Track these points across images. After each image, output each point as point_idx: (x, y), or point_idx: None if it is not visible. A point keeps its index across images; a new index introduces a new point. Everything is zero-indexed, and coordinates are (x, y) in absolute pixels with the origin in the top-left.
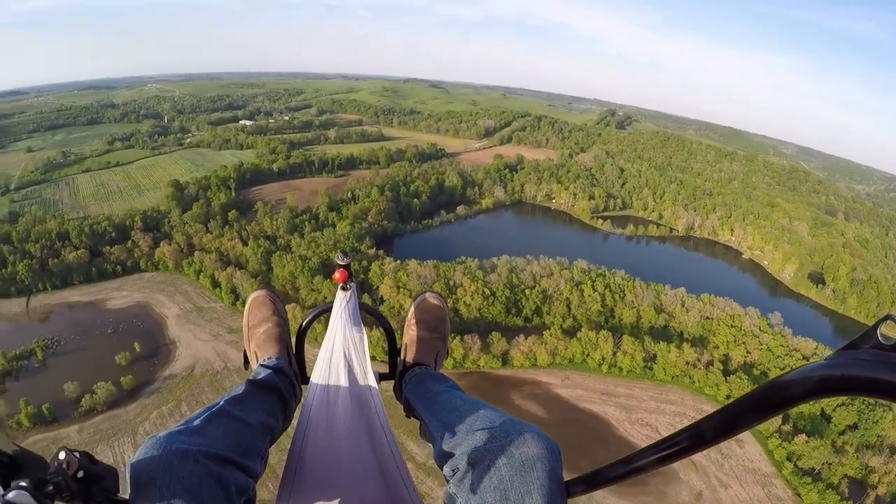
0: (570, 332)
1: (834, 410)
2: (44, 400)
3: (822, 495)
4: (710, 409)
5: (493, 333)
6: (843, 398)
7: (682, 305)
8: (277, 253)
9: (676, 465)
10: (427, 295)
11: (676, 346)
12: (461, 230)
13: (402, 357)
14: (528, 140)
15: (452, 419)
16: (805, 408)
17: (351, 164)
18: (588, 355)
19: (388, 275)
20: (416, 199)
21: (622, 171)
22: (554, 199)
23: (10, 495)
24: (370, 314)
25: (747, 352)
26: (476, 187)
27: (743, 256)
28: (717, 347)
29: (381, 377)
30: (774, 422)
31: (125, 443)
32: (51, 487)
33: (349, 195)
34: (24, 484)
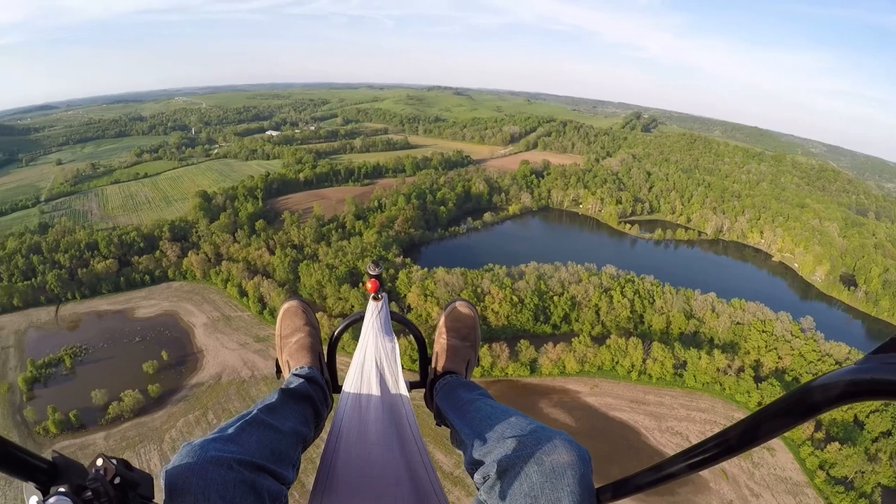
0: (599, 340)
1: (867, 417)
2: (71, 407)
3: None
4: (740, 416)
5: (522, 341)
6: (876, 403)
7: (713, 311)
8: (304, 262)
9: (707, 474)
10: (457, 303)
11: (707, 352)
12: (488, 237)
13: (432, 366)
14: (554, 145)
15: (483, 427)
16: (838, 414)
17: (377, 172)
18: (617, 363)
19: (415, 283)
20: (442, 207)
21: (649, 174)
22: (581, 204)
23: (51, 501)
24: (401, 323)
25: (779, 357)
26: (502, 194)
27: (773, 259)
28: (748, 353)
29: (411, 385)
30: (807, 429)
31: (151, 450)
32: (89, 493)
33: (376, 203)
34: (63, 490)
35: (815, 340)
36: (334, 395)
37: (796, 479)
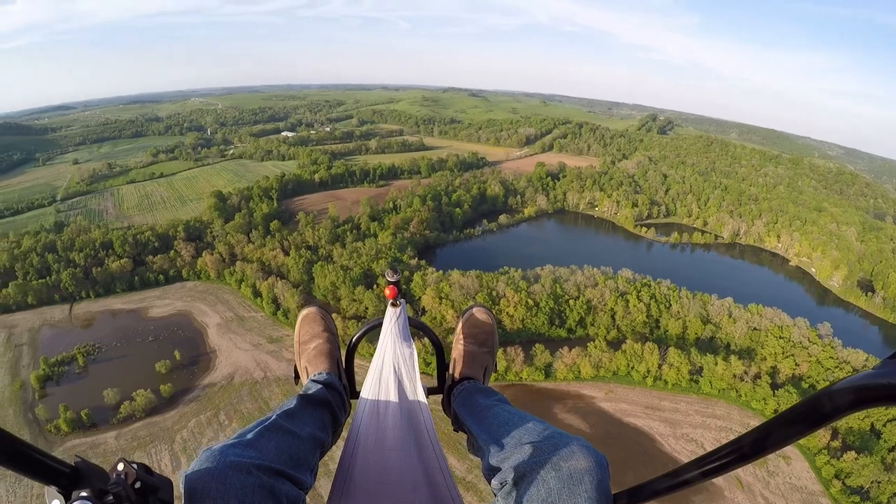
0: (615, 344)
1: (884, 426)
2: (83, 405)
3: None
4: (756, 423)
5: (537, 345)
6: (894, 411)
7: (730, 316)
8: (319, 263)
9: (721, 482)
10: (475, 310)
11: (723, 358)
12: (503, 239)
13: (450, 371)
14: (570, 147)
15: (501, 433)
16: (854, 423)
17: (392, 173)
18: (633, 368)
19: (430, 285)
20: (457, 209)
21: (665, 177)
22: (597, 206)
23: None
24: (419, 329)
25: (796, 364)
26: (518, 196)
27: (790, 264)
28: (765, 360)
29: (429, 391)
30: (823, 438)
31: (162, 450)
32: (111, 498)
33: (391, 205)
34: (85, 494)
35: (832, 347)
36: (352, 401)
37: (811, 488)
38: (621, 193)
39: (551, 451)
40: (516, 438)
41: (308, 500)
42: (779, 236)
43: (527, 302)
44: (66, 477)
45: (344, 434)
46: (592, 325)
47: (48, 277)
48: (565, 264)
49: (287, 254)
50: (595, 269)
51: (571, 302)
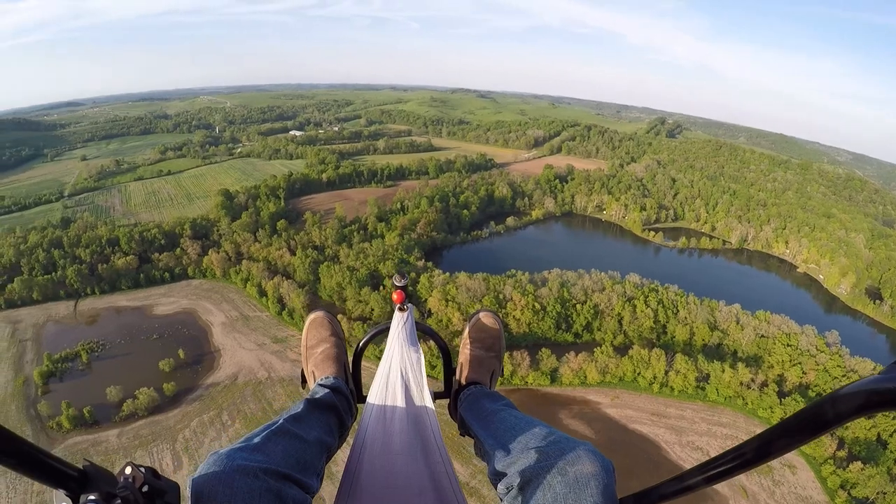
0: (621, 349)
1: (891, 436)
2: (86, 403)
3: None
4: (762, 431)
5: (543, 350)
6: None
7: (737, 323)
8: (325, 263)
9: (727, 491)
10: (481, 314)
11: (730, 365)
12: (511, 242)
13: (457, 376)
14: (578, 150)
15: (507, 437)
16: (861, 433)
17: (400, 174)
18: (639, 374)
19: (436, 287)
20: (465, 211)
21: (674, 181)
22: (605, 210)
23: None
24: (426, 333)
25: (803, 373)
26: (526, 198)
27: (798, 270)
28: (772, 367)
29: (436, 396)
30: (829, 447)
31: (164, 449)
32: (119, 501)
33: (398, 206)
34: (93, 498)
35: (840, 356)
36: (359, 405)
37: (817, 498)
38: (629, 197)
39: (557, 455)
40: (522, 443)
41: None
42: (787, 242)
43: (534, 306)
44: (74, 480)
45: (350, 438)
46: (599, 329)
47: (54, 273)
48: (573, 268)
49: (293, 253)
50: (602, 273)
51: (578, 306)
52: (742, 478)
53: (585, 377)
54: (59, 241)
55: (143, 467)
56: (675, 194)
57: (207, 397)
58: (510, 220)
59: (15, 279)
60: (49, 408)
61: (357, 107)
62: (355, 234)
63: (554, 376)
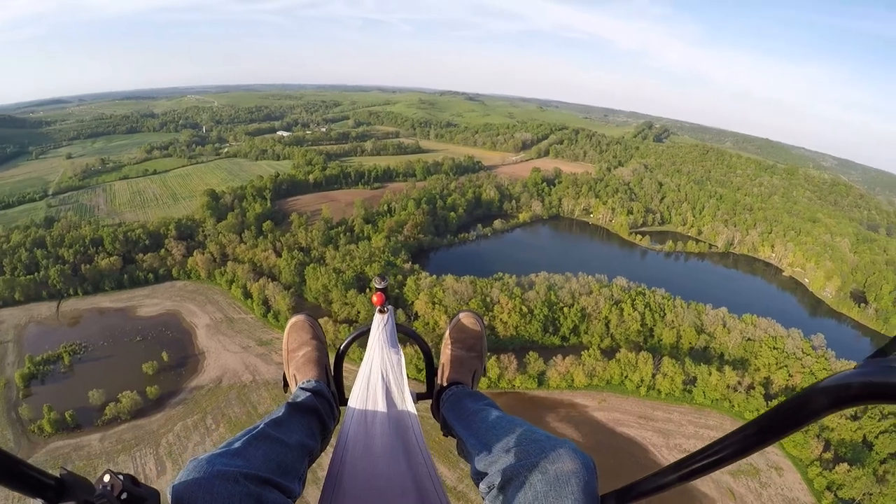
0: (608, 353)
1: (877, 438)
2: (68, 406)
3: None
4: None
5: (530, 353)
6: (885, 424)
7: (724, 326)
8: (311, 265)
9: (714, 493)
10: (462, 315)
11: (717, 368)
12: (498, 244)
13: (439, 377)
14: (566, 153)
15: (489, 437)
16: (847, 434)
17: (387, 176)
18: (626, 377)
19: (423, 290)
20: (452, 213)
21: (661, 185)
22: (592, 213)
23: None
24: (407, 335)
25: (789, 375)
26: (513, 201)
27: (784, 274)
28: (759, 370)
29: (418, 397)
30: (815, 449)
31: (147, 454)
32: None
33: (385, 208)
34: None
35: (825, 359)
36: (341, 408)
37: (804, 500)
38: (616, 201)
39: (538, 454)
40: (504, 442)
41: None
42: (773, 246)
43: (521, 309)
44: (51, 489)
45: (333, 441)
46: (586, 333)
47: (36, 273)
48: (560, 271)
49: (279, 255)
50: (590, 276)
51: (566, 309)
52: (730, 480)
53: (573, 380)
54: (43, 241)
55: (122, 474)
56: (662, 198)
57: (191, 401)
58: (497, 223)
59: None
60: (30, 411)
61: (345, 108)
62: (342, 235)
63: (541, 379)
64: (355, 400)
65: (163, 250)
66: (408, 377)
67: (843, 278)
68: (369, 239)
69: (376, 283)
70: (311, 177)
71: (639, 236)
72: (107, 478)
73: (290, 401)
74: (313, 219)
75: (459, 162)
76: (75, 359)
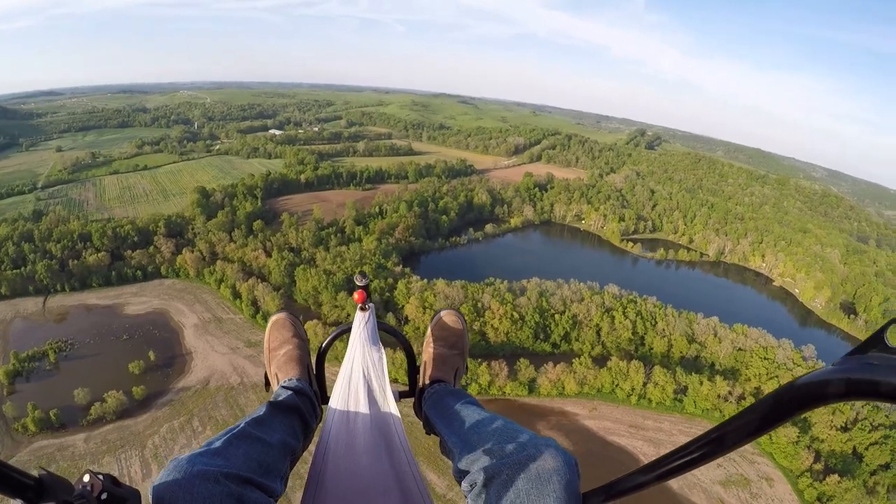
0: (599, 361)
1: (867, 449)
2: (52, 405)
3: None
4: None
5: (521, 360)
6: (875, 435)
7: (715, 335)
8: (301, 266)
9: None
10: (444, 313)
11: (708, 378)
12: (489, 249)
13: (421, 375)
14: (558, 159)
15: (470, 434)
16: (837, 446)
17: (379, 177)
18: (617, 385)
19: (414, 294)
20: (444, 216)
21: (653, 192)
22: (583, 219)
23: None
24: (389, 333)
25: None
26: (505, 205)
27: (774, 284)
28: (749, 380)
29: (401, 395)
30: (805, 460)
31: (132, 456)
32: None
33: (377, 209)
34: None
35: (816, 369)
36: (323, 407)
37: None
38: (608, 207)
39: (520, 452)
40: (486, 440)
41: None
42: (763, 256)
43: (512, 315)
44: (30, 490)
45: (315, 440)
46: (577, 340)
47: (23, 268)
48: (551, 277)
49: (269, 255)
50: (581, 283)
51: (557, 316)
52: (720, 490)
53: (563, 388)
54: (30, 235)
55: (102, 475)
56: (654, 206)
57: (178, 402)
58: (489, 227)
59: None
60: (14, 409)
61: (338, 108)
62: (333, 236)
63: (532, 387)
64: (337, 398)
65: (152, 247)
66: (393, 380)
67: (833, 289)
68: (360, 241)
69: (357, 281)
70: (302, 176)
71: (630, 243)
72: (87, 478)
73: (271, 400)
74: (304, 219)
75: (452, 165)
76: (61, 356)
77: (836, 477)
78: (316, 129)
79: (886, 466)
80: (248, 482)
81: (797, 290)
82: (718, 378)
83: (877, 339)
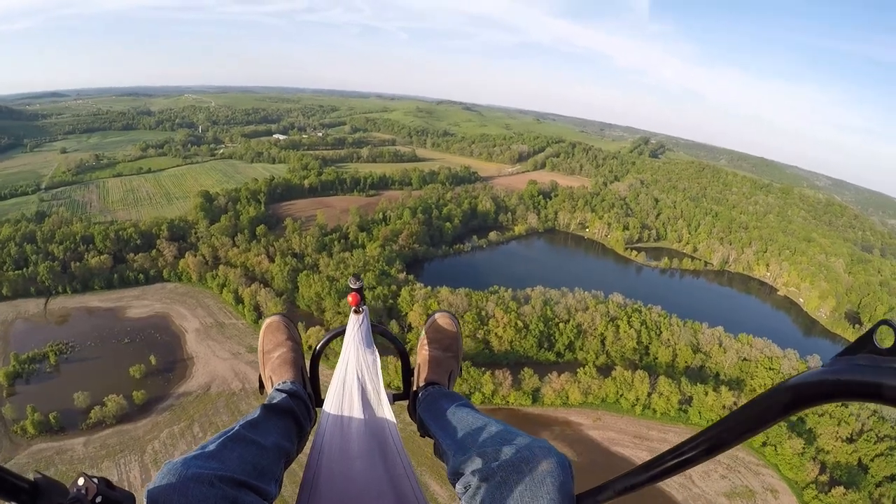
0: (604, 370)
1: (872, 461)
2: (52, 407)
3: None
4: (744, 455)
5: (526, 369)
6: (881, 446)
7: (720, 345)
8: (305, 272)
9: None
10: (438, 315)
11: (713, 388)
12: (493, 257)
13: (415, 377)
14: (562, 167)
15: (464, 437)
16: (843, 457)
17: (383, 183)
18: (622, 395)
19: (417, 301)
20: (448, 223)
21: (657, 201)
22: (587, 228)
23: None
24: (383, 335)
25: None
26: (509, 213)
27: (778, 293)
28: (755, 391)
29: (395, 398)
30: (811, 472)
31: (132, 461)
32: None
33: (380, 216)
34: None
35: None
36: (317, 410)
37: None
38: (612, 216)
39: (514, 453)
40: (480, 442)
41: None
42: (768, 265)
43: (516, 323)
44: (25, 493)
45: (310, 443)
46: (581, 349)
47: (25, 269)
48: (555, 285)
49: (272, 260)
50: (586, 292)
51: (561, 325)
52: (725, 502)
53: (567, 398)
54: (33, 236)
55: (97, 478)
56: (658, 214)
57: (179, 407)
58: (493, 235)
59: None
60: (14, 411)
61: (342, 113)
62: (336, 242)
63: (536, 396)
64: (331, 401)
65: (154, 251)
66: (387, 384)
67: (837, 299)
68: (364, 247)
69: (351, 284)
70: (306, 182)
71: (634, 252)
72: (81, 481)
73: (265, 402)
74: (307, 224)
75: (456, 172)
76: (61, 358)
77: (841, 489)
78: (320, 134)
79: (892, 478)
80: (243, 485)
81: (802, 300)
82: (724, 388)
83: (866, 341)
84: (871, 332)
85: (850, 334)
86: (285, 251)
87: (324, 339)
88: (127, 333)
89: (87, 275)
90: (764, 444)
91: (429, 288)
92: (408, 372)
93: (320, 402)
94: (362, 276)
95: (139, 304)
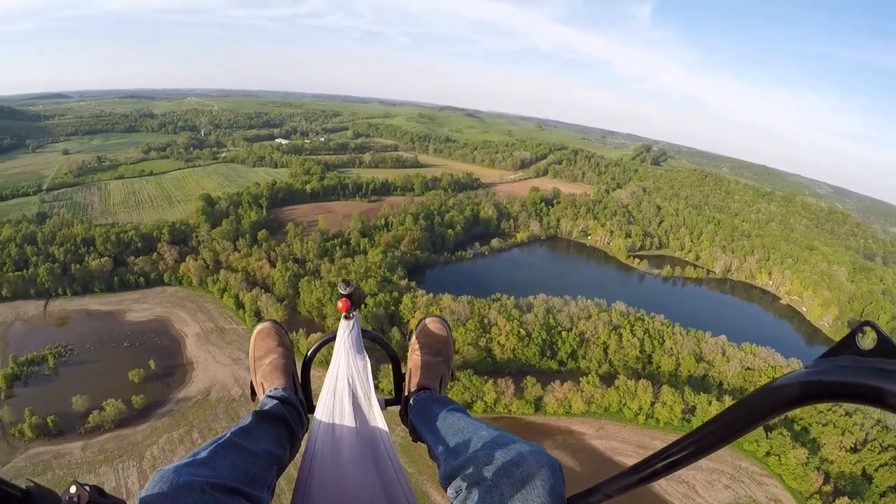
0: (607, 379)
1: (876, 471)
2: (50, 411)
3: None
4: (748, 465)
5: (528, 378)
6: (885, 456)
7: (723, 354)
8: (306, 277)
9: None
10: (428, 320)
11: (716, 397)
12: (495, 263)
13: (406, 382)
14: (565, 174)
15: (456, 441)
16: (846, 467)
17: (385, 189)
18: (625, 405)
19: (419, 308)
20: (450, 230)
21: (659, 209)
22: (590, 235)
23: None
24: (373, 341)
25: None
26: (511, 220)
27: (781, 301)
28: None
29: (387, 403)
30: (815, 482)
31: (129, 466)
32: None
33: (382, 221)
34: None
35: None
36: (309, 416)
37: None
38: (615, 223)
39: (504, 457)
40: (471, 446)
41: None
42: (770, 273)
43: (519, 331)
44: (17, 501)
45: (302, 449)
46: (584, 358)
47: (25, 270)
48: (557, 293)
49: (273, 265)
50: (589, 300)
51: (564, 334)
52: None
53: (570, 407)
54: (33, 237)
55: (89, 486)
56: (661, 222)
57: (178, 413)
58: (495, 242)
59: None
60: (12, 413)
61: (345, 118)
62: (338, 248)
63: (538, 405)
64: (322, 407)
65: (155, 254)
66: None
67: (840, 307)
68: (366, 253)
69: (341, 289)
70: (308, 186)
71: (637, 260)
72: (73, 489)
73: (257, 409)
74: (309, 230)
75: (458, 178)
76: (60, 361)
77: (845, 499)
78: (322, 139)
79: None
80: (235, 492)
81: (804, 308)
82: (727, 398)
83: (849, 342)
84: (854, 333)
85: None
86: (287, 256)
87: (315, 346)
88: (126, 337)
89: (87, 277)
90: (768, 454)
91: (431, 295)
92: (399, 377)
93: (312, 409)
94: (361, 282)
95: (139, 307)
